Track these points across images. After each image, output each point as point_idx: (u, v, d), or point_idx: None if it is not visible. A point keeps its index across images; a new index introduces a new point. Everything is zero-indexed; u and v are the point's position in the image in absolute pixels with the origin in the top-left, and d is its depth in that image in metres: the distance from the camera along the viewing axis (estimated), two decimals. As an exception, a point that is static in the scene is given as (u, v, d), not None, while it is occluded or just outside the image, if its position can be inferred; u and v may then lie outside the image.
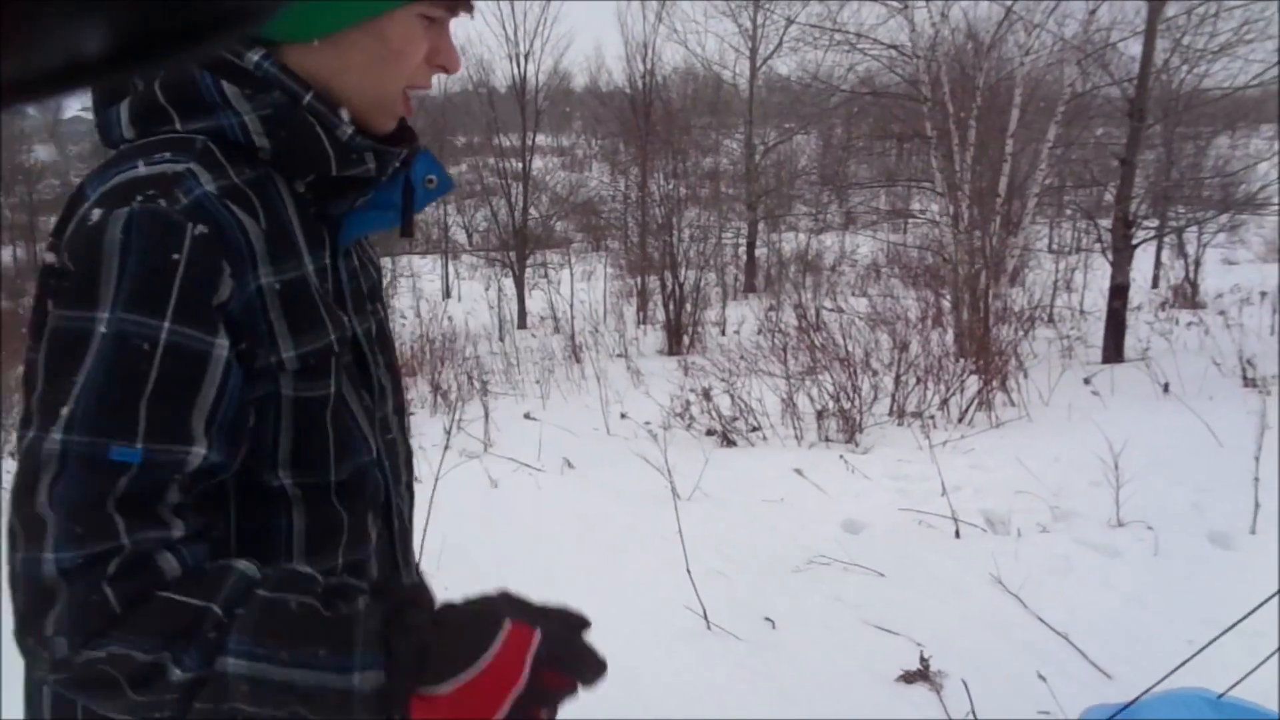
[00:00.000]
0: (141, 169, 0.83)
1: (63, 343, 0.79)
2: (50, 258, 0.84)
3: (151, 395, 0.79)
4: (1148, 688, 2.43)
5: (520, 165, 20.96)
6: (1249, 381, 7.00)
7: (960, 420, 6.34)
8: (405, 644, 0.78)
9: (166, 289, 0.80)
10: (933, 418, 6.35)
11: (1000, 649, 3.02)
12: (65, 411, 0.77)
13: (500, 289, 18.71)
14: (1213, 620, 3.00)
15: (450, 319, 14.28)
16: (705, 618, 3.26)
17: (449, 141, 27.50)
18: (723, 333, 13.28)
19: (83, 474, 0.76)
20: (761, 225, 21.33)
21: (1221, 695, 2.41)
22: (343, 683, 0.76)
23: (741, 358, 8.53)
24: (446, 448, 5.60)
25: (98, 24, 0.20)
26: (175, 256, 0.80)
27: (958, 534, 4.07)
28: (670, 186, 15.92)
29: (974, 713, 2.49)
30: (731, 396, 6.59)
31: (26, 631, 0.77)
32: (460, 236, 28.26)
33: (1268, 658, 2.37)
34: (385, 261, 18.49)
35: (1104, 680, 2.69)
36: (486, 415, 6.88)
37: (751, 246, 20.88)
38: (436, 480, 3.56)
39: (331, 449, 0.95)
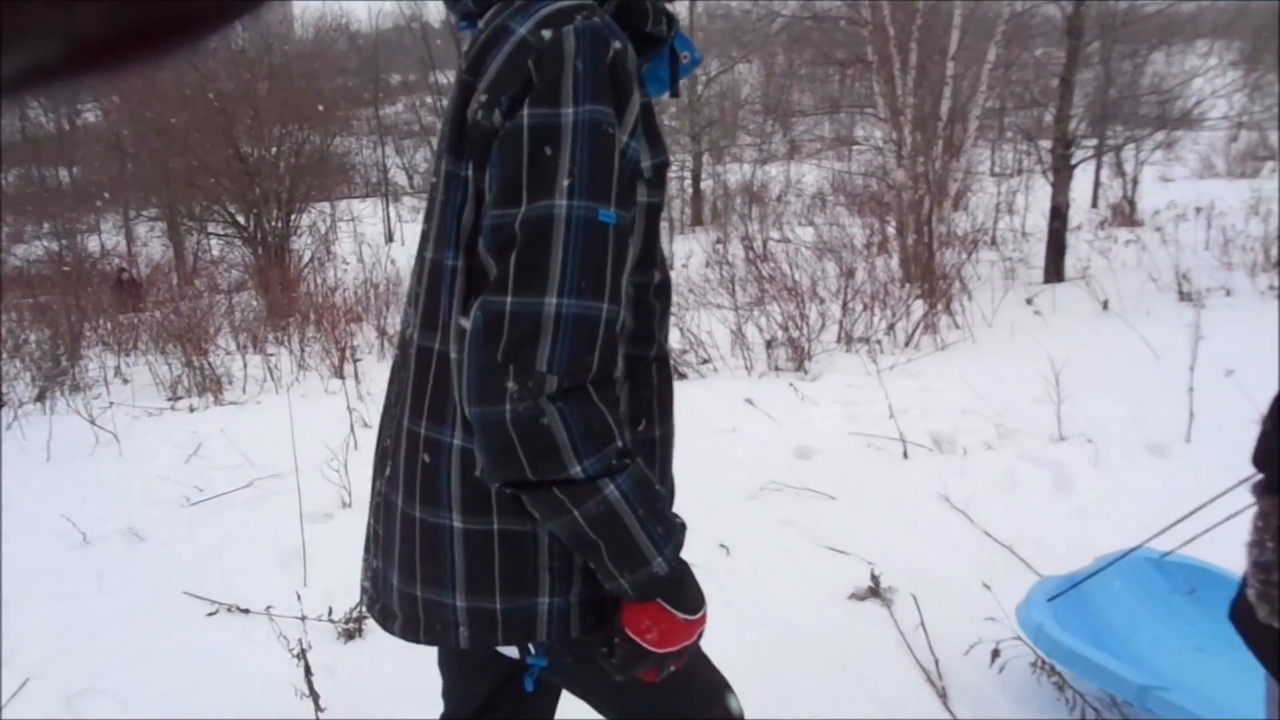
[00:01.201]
0: (562, 1, 1.01)
1: (542, 133, 0.97)
2: (475, 80, 1.02)
3: (618, 170, 0.99)
4: (1091, 565, 2.51)
5: (459, 103, 20.54)
6: (1184, 295, 7.17)
7: (906, 344, 6.42)
8: (681, 568, 1.07)
9: (618, 88, 1.00)
10: (879, 343, 6.42)
11: (948, 563, 3.10)
12: (565, 184, 0.96)
13: (445, 231, 18.44)
14: (1153, 526, 3.10)
15: (394, 262, 14.05)
16: (661, 548, 3.30)
17: (384, 80, 26.80)
18: (670, 267, 13.26)
19: (584, 233, 0.97)
20: (706, 157, 21.19)
21: (1164, 555, 2.50)
22: (651, 556, 1.03)
23: (690, 291, 8.53)
24: (396, 392, 5.55)
25: (95, 13, 0.20)
26: (618, 65, 1.00)
27: (906, 455, 4.15)
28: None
29: (923, 624, 2.56)
30: (681, 330, 6.60)
31: (511, 360, 0.96)
32: (400, 179, 27.72)
33: (1201, 533, 2.43)
34: (324, 206, 18.10)
35: (1035, 578, 2.77)
36: (436, 358, 6.81)
37: (697, 179, 20.77)
38: (386, 424, 3.52)
39: (657, 251, 1.14)
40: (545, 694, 1.37)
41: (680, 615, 1.07)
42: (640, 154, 1.05)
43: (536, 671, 1.17)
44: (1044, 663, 2.34)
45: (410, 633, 1.17)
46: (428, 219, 1.13)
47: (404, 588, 1.16)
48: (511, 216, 0.97)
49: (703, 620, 1.11)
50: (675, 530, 1.06)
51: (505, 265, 0.98)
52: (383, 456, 1.21)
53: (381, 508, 1.21)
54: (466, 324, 1.01)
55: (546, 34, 0.98)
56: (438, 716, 1.49)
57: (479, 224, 1.03)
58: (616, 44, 1.00)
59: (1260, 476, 1.34)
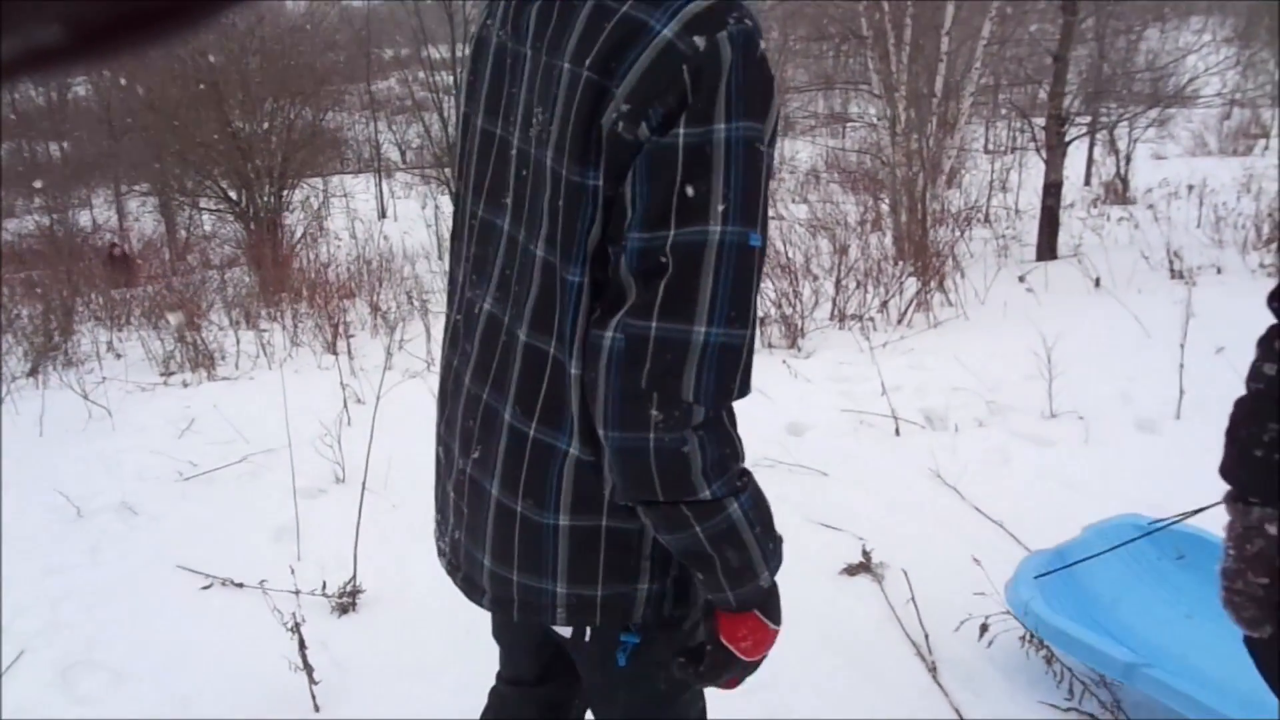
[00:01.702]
0: None
1: (698, 154, 0.92)
2: (604, 81, 0.95)
3: (764, 189, 0.96)
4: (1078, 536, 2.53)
5: (451, 78, 20.37)
6: (1176, 273, 7.18)
7: (899, 321, 6.43)
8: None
9: (766, 98, 0.95)
10: (872, 320, 6.43)
11: (938, 539, 3.12)
12: (720, 209, 0.92)
13: (437, 207, 18.35)
14: (1141, 502, 3.12)
15: (387, 238, 13.99)
16: (654, 523, 3.32)
17: (376, 55, 26.58)
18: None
19: (736, 260, 0.94)
20: (700, 134, 21.09)
21: (1153, 523, 2.52)
22: (760, 571, 1.06)
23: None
24: (389, 368, 5.55)
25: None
26: (765, 70, 0.95)
27: (898, 432, 4.17)
28: (607, 96, 15.63)
29: (914, 599, 2.59)
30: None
31: (656, 389, 0.95)
32: (393, 154, 27.55)
33: (1201, 509, 2.45)
34: (316, 182, 17.99)
35: (1024, 552, 2.80)
36: (428, 334, 6.81)
37: (691, 156, 20.67)
38: (378, 400, 3.53)
39: None
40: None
41: (771, 626, 1.11)
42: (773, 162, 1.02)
43: (630, 647, 1.19)
44: (1033, 637, 2.37)
45: (501, 609, 1.21)
46: (509, 201, 1.09)
47: (497, 570, 1.17)
48: (661, 240, 0.93)
49: (779, 633, 1.13)
50: (780, 545, 1.10)
51: (652, 290, 0.94)
52: (467, 438, 1.18)
53: (467, 487, 1.20)
54: (600, 342, 0.97)
55: (700, 41, 0.91)
56: (496, 677, 1.53)
57: (605, 234, 1.00)
58: (763, 44, 0.96)
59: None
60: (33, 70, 0.20)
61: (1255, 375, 1.30)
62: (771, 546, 1.07)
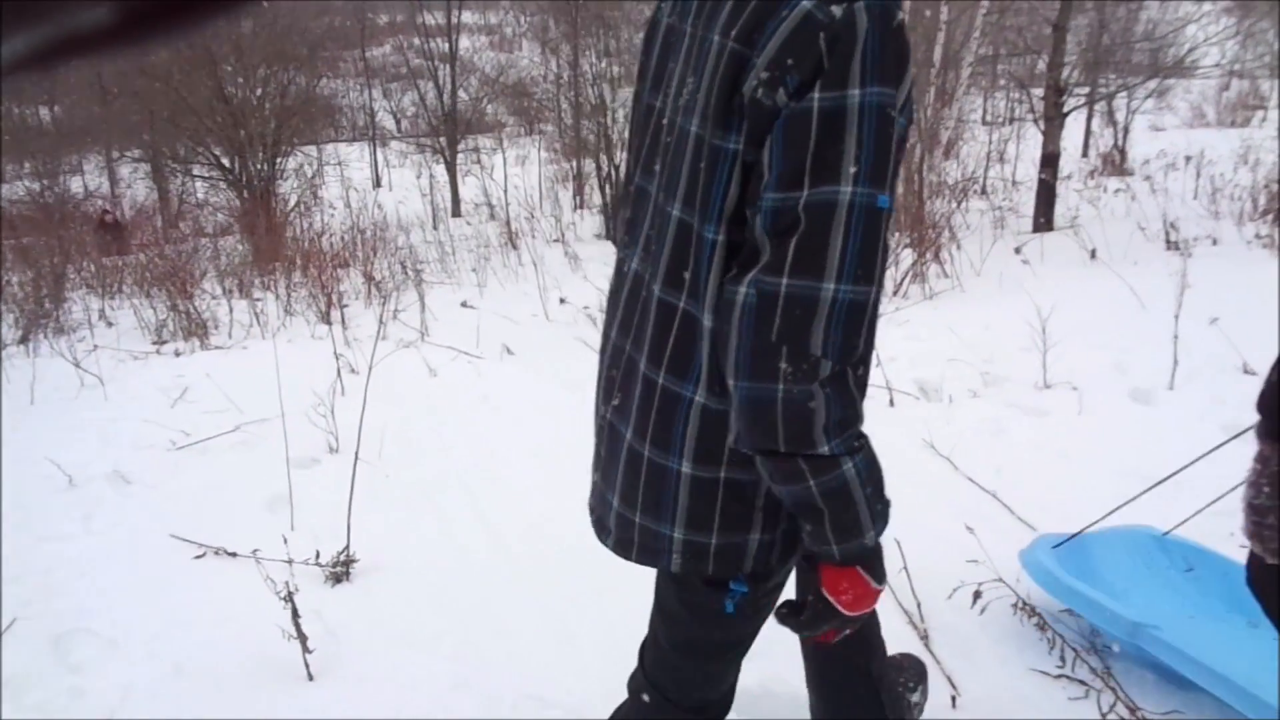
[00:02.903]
0: None
1: (831, 118, 0.96)
2: (745, 49, 1.01)
3: (894, 154, 0.99)
4: (1094, 523, 2.54)
5: (446, 45, 20.17)
6: (1171, 244, 7.17)
7: (895, 293, 6.42)
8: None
9: (900, 66, 0.98)
10: (868, 291, 6.41)
11: (932, 508, 3.12)
12: (851, 170, 0.96)
13: (432, 176, 18.24)
14: (1134, 472, 3.13)
15: (381, 208, 13.92)
16: (648, 493, 3.32)
17: (370, 20, 26.31)
18: (660, 214, 13.18)
19: (865, 220, 0.97)
20: (697, 103, 20.94)
21: (1165, 533, 2.54)
22: (865, 530, 1.09)
23: (679, 238, 8.46)
24: (383, 337, 5.53)
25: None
26: (900, 39, 0.98)
27: (892, 403, 4.16)
28: (603, 65, 15.49)
29: (906, 568, 2.59)
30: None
31: (786, 342, 0.99)
32: (388, 123, 27.35)
33: (1205, 506, 2.49)
34: (310, 150, 17.85)
35: (1029, 532, 2.80)
36: (422, 304, 6.78)
37: (687, 125, 20.53)
38: (370, 369, 3.51)
39: None
40: None
41: (873, 584, 1.15)
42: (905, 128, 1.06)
43: (739, 596, 1.26)
44: (1025, 604, 2.37)
45: (623, 550, 1.28)
46: (659, 167, 1.17)
47: (622, 511, 1.25)
48: (794, 200, 0.98)
49: (881, 592, 1.17)
50: (888, 508, 1.13)
51: (784, 247, 0.99)
52: (610, 385, 1.28)
53: (606, 431, 1.29)
54: (734, 297, 1.02)
55: (837, 11, 0.96)
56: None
57: (743, 196, 1.05)
58: (900, 15, 1.00)
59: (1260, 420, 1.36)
60: (76, 55, 0.20)
61: None
62: (880, 508, 1.11)
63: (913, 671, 2.08)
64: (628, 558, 1.27)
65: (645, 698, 1.45)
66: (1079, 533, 2.51)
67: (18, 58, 0.20)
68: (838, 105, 0.96)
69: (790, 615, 1.21)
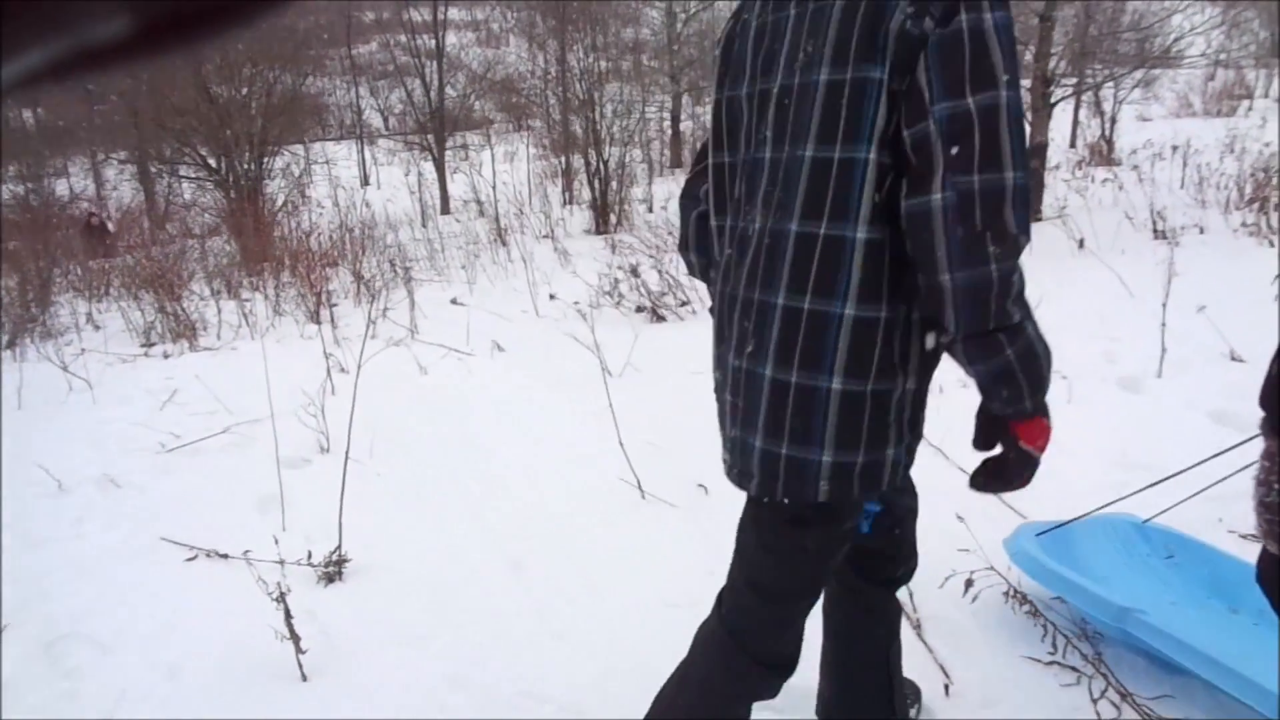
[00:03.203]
0: None
1: (979, 36, 1.16)
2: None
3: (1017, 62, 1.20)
4: (1079, 516, 2.55)
5: (433, 42, 20.10)
6: (1159, 234, 7.19)
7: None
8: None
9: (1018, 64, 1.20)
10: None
11: (923, 498, 3.11)
12: (1004, 77, 1.17)
13: (420, 174, 18.18)
14: (1123, 461, 3.15)
15: (369, 206, 13.88)
16: (640, 488, 3.32)
17: (356, 19, 26.20)
18: (650, 210, 13.17)
19: (1017, 116, 1.17)
20: (686, 98, 20.91)
21: (1146, 521, 2.55)
22: (1049, 380, 1.27)
23: (669, 233, 8.47)
24: (372, 336, 5.52)
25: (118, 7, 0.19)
26: (1018, 44, 1.22)
27: (883, 394, 4.17)
28: (590, 60, 15.45)
29: (899, 560, 2.60)
30: (660, 272, 6.57)
31: (989, 228, 1.16)
32: (375, 120, 27.27)
33: (1188, 497, 2.50)
34: (297, 149, 17.78)
35: (1020, 520, 2.81)
36: (412, 302, 6.77)
37: (676, 120, 20.52)
38: (360, 367, 3.51)
39: None
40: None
41: (1050, 424, 1.33)
42: None
43: (874, 515, 1.43)
44: (1016, 592, 2.38)
45: (768, 489, 1.37)
46: (770, 133, 1.34)
47: (767, 447, 1.35)
48: (964, 106, 1.16)
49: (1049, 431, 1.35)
50: (1049, 348, 1.29)
51: (968, 147, 1.16)
52: (742, 336, 1.38)
53: (743, 382, 1.38)
54: (929, 204, 1.18)
55: (968, 18, 1.16)
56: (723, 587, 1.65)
57: (894, 120, 1.21)
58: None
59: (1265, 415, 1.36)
60: (92, 68, 0.20)
61: None
62: (1051, 359, 1.28)
63: (910, 690, 2.11)
64: (774, 495, 1.37)
65: (719, 646, 1.55)
66: (1065, 523, 2.52)
67: (32, 70, 0.20)
68: (980, 25, 1.15)
69: (991, 478, 1.36)
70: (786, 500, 1.37)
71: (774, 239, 1.32)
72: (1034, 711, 2.12)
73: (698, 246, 1.63)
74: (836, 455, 1.31)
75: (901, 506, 1.76)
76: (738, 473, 1.44)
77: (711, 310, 1.56)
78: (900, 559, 1.79)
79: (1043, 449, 1.33)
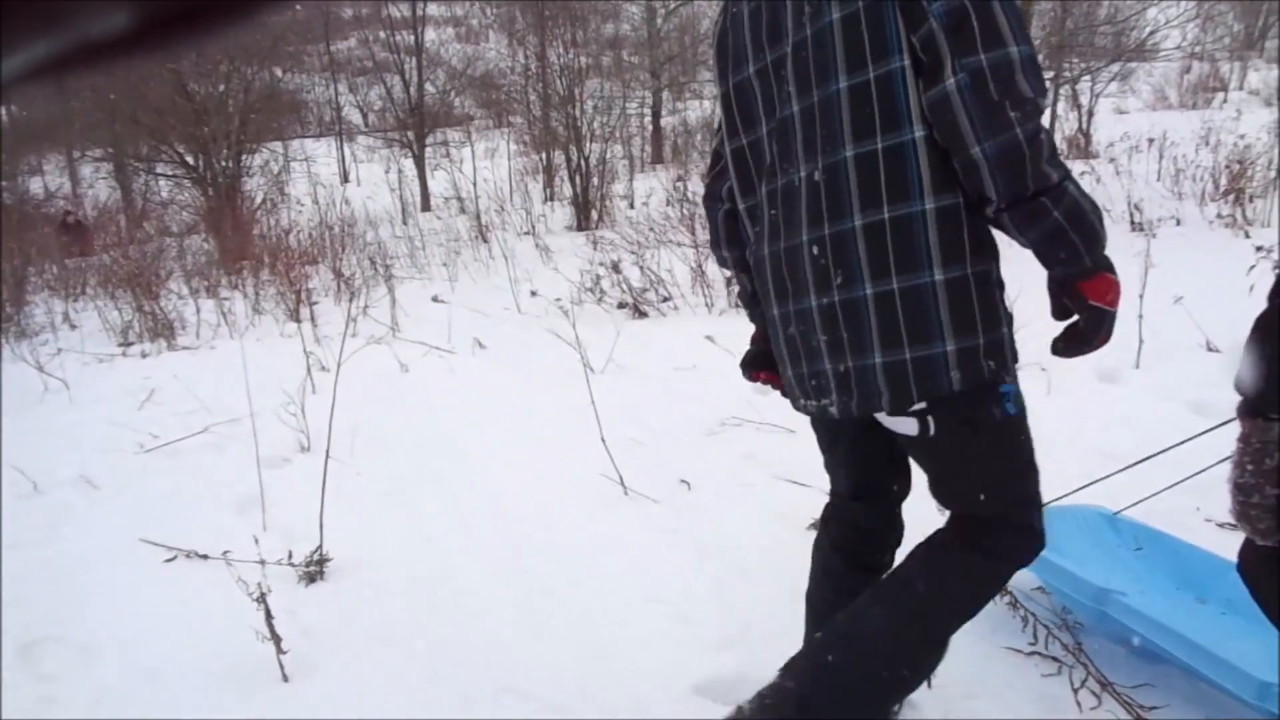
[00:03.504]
0: None
1: (993, 16, 1.28)
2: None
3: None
4: (1059, 495, 2.57)
5: (412, 38, 20.00)
6: (1136, 225, 7.24)
7: (865, 279, 6.44)
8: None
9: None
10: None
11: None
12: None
13: (401, 171, 18.10)
14: (1101, 451, 3.17)
15: (349, 203, 13.81)
16: (622, 484, 3.32)
17: (335, 14, 26.03)
18: (631, 206, 13.15)
19: (1009, 2, 1.30)
20: (666, 94, 20.91)
21: (1116, 513, 2.57)
22: (1102, 233, 1.35)
23: (650, 229, 8.47)
24: (352, 334, 5.49)
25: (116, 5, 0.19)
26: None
27: (864, 388, 4.18)
28: (570, 56, 15.42)
29: (880, 553, 2.61)
30: (641, 268, 6.57)
31: (1006, 96, 1.27)
32: (355, 117, 27.11)
33: (1166, 487, 2.52)
34: (275, 146, 17.66)
35: (1001, 514, 2.83)
36: (393, 300, 6.73)
37: (657, 116, 20.51)
38: (339, 366, 3.49)
39: None
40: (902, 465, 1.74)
41: (1117, 278, 1.36)
42: None
43: (1012, 394, 1.47)
44: (996, 586, 2.39)
45: (902, 398, 1.43)
46: (793, 89, 1.44)
47: (889, 359, 1.41)
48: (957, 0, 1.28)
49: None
50: (1097, 204, 1.36)
51: (968, 32, 1.27)
52: (823, 274, 1.45)
53: (840, 314, 1.45)
54: (946, 89, 1.28)
55: None
56: (831, 493, 1.83)
57: (907, 27, 1.32)
58: None
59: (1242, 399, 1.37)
60: (92, 63, 0.20)
61: (1277, 290, 1.32)
62: (1096, 210, 1.34)
63: None
64: (910, 402, 1.43)
65: (967, 572, 1.56)
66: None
67: (32, 65, 0.20)
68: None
69: (1071, 342, 1.41)
70: (925, 403, 1.43)
71: (829, 173, 1.40)
72: (1015, 702, 2.13)
73: (729, 241, 1.73)
74: (959, 342, 1.38)
75: (903, 490, 1.82)
76: (820, 406, 1.55)
77: (741, 297, 1.73)
78: (890, 544, 1.84)
79: (1114, 303, 1.36)
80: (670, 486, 3.36)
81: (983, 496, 1.54)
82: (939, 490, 1.63)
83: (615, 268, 6.57)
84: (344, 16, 26.89)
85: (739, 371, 1.97)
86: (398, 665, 2.39)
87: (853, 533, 1.80)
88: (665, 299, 6.42)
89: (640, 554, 2.90)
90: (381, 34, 21.13)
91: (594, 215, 12.48)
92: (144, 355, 6.25)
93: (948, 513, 1.61)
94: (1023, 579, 2.44)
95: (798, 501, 3.13)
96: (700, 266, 6.44)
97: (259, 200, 14.29)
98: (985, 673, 2.23)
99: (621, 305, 6.41)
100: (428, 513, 3.34)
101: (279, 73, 17.31)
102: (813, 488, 3.20)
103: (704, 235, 6.99)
